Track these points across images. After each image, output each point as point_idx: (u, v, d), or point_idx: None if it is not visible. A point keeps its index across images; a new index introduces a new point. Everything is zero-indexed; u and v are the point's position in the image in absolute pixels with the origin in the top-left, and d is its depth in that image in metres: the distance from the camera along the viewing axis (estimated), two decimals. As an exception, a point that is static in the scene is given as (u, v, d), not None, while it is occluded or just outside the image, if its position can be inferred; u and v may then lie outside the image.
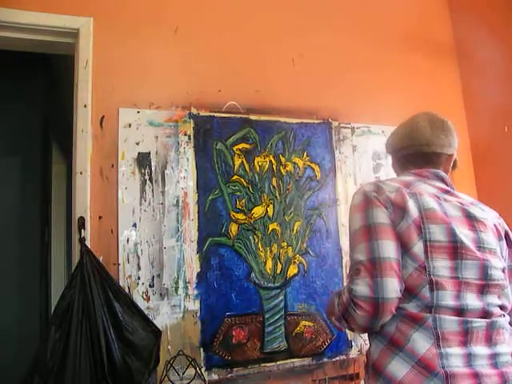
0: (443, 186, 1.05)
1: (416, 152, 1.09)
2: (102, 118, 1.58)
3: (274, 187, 1.74)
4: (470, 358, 0.86)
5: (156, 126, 1.62)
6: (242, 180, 1.70)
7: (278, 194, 1.74)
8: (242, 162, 1.71)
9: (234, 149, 1.71)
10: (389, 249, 0.90)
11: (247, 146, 1.73)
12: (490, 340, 0.89)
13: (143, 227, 1.55)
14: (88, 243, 1.46)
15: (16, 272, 2.10)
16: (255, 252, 1.67)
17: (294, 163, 1.79)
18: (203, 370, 1.51)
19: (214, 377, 1.54)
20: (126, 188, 1.55)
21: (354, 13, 2.07)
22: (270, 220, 1.71)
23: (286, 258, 1.70)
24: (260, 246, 1.68)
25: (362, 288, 0.87)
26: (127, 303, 1.41)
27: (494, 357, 0.88)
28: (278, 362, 1.62)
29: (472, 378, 0.83)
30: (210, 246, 1.61)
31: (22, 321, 2.07)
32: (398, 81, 2.09)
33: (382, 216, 0.94)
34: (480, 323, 0.89)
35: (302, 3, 1.98)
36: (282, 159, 1.78)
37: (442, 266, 0.91)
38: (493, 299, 0.93)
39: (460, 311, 0.89)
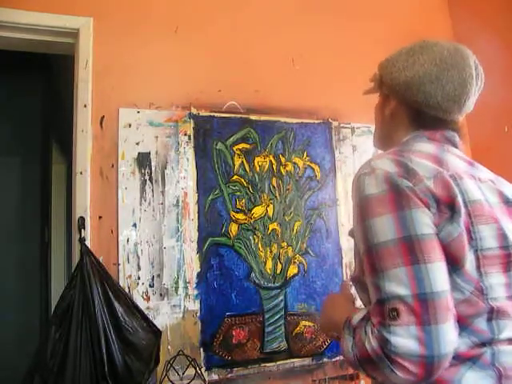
0: (462, 154, 0.81)
1: (452, 119, 0.82)
2: (102, 118, 1.58)
3: (273, 187, 1.74)
4: None
5: (156, 125, 1.62)
6: (242, 180, 1.70)
7: (277, 194, 1.74)
8: (242, 162, 1.71)
9: (234, 149, 1.71)
10: (441, 276, 0.63)
11: (247, 145, 1.73)
12: None
13: (143, 227, 1.55)
14: (88, 243, 1.46)
15: (16, 272, 2.10)
16: (255, 252, 1.67)
17: (294, 163, 1.79)
18: (203, 369, 1.51)
19: (214, 377, 1.54)
20: (125, 188, 1.55)
21: (354, 13, 2.07)
22: (270, 220, 1.71)
23: (285, 258, 1.70)
24: (260, 245, 1.68)
25: (407, 342, 0.59)
26: (127, 303, 1.41)
27: None
28: (277, 362, 1.62)
29: None
30: (209, 245, 1.61)
31: (22, 321, 2.07)
32: (398, 81, 2.09)
33: (425, 222, 0.65)
34: None
35: (302, 3, 1.97)
36: (282, 159, 1.78)
37: (497, 283, 0.68)
38: None
39: None
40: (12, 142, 2.20)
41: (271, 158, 1.76)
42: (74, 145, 1.56)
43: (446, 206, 0.67)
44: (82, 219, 1.48)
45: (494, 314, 0.67)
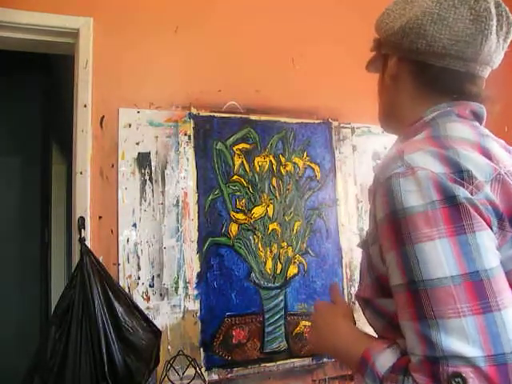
0: (494, 136, 0.65)
1: (467, 72, 0.63)
2: (102, 118, 1.58)
3: (274, 187, 1.74)
4: None
5: (156, 125, 1.62)
6: (242, 180, 1.70)
7: (278, 194, 1.74)
8: (242, 162, 1.71)
9: (234, 149, 1.71)
10: None
11: (247, 145, 1.73)
12: None
13: (143, 227, 1.55)
14: (88, 243, 1.46)
15: (16, 272, 2.10)
16: (255, 252, 1.67)
17: (294, 163, 1.79)
18: (203, 369, 1.51)
19: (214, 377, 1.54)
20: (125, 188, 1.55)
21: (354, 12, 2.06)
22: (270, 220, 1.71)
23: (285, 258, 1.70)
24: (260, 245, 1.68)
25: None
26: (127, 303, 1.41)
27: None
28: (277, 362, 1.62)
29: None
30: (210, 245, 1.61)
31: (22, 321, 2.07)
32: (398, 81, 2.09)
33: (493, 250, 0.50)
34: None
35: (301, 3, 1.97)
36: (282, 159, 1.78)
37: None
38: None
39: None
40: (12, 142, 2.20)
41: (271, 158, 1.76)
42: (74, 145, 1.56)
43: (510, 222, 0.51)
44: (81, 219, 1.48)
45: None
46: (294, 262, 1.71)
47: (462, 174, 0.51)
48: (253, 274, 1.64)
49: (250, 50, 1.83)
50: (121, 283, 1.47)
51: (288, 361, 1.63)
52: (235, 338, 1.58)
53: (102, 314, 1.35)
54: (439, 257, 0.48)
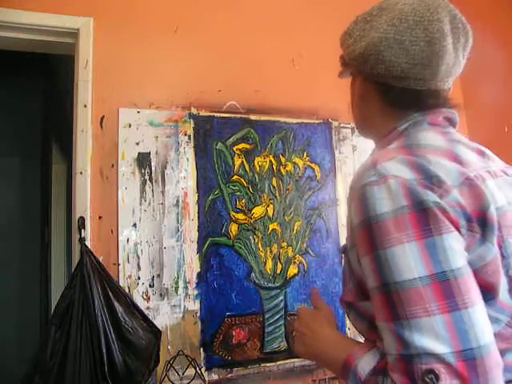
0: (468, 140, 0.67)
1: (428, 90, 0.65)
2: (102, 118, 1.58)
3: (274, 187, 1.74)
4: None
5: (156, 126, 1.62)
6: (242, 180, 1.70)
7: (277, 194, 1.74)
8: (242, 161, 1.71)
9: (234, 149, 1.71)
10: (486, 321, 0.50)
11: (247, 145, 1.73)
12: None
13: (143, 227, 1.54)
14: (88, 243, 1.46)
15: (16, 272, 2.10)
16: (255, 252, 1.67)
17: (294, 163, 1.79)
18: (203, 369, 1.51)
19: (214, 377, 1.54)
20: (125, 188, 1.55)
21: (353, 12, 2.06)
22: (270, 220, 1.71)
23: (285, 258, 1.70)
24: (260, 245, 1.67)
25: None
26: (127, 303, 1.41)
27: None
28: (277, 362, 1.62)
29: None
30: (210, 246, 1.61)
31: (22, 321, 2.07)
32: (398, 81, 2.09)
33: (460, 251, 0.52)
34: None
35: (302, 3, 1.97)
36: (282, 159, 1.78)
37: None
38: None
39: None
40: (12, 142, 2.20)
41: (271, 158, 1.76)
42: (74, 145, 1.56)
43: (478, 223, 0.53)
44: (81, 219, 1.48)
45: None
46: (294, 262, 1.71)
47: (431, 180, 0.53)
48: (253, 274, 1.64)
49: (250, 50, 1.83)
50: (121, 283, 1.47)
51: (288, 361, 1.63)
52: (235, 338, 1.58)
53: (102, 313, 1.35)
54: (408, 259, 0.50)
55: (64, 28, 1.60)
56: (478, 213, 0.53)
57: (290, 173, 1.78)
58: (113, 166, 1.56)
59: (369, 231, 0.54)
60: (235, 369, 1.57)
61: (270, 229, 1.70)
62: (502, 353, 0.51)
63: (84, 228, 1.47)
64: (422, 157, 0.56)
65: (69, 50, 1.68)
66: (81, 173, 1.52)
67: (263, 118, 1.78)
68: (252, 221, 1.68)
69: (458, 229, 0.52)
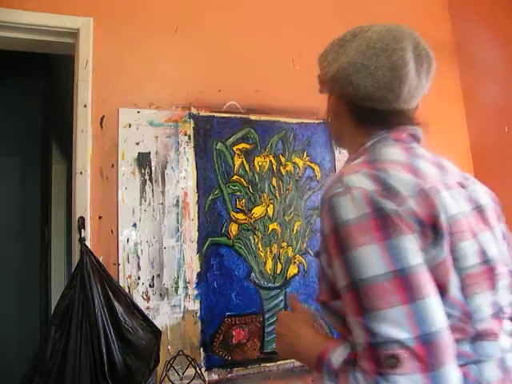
0: (430, 154, 0.74)
1: (393, 110, 0.73)
2: (102, 118, 1.58)
3: (274, 187, 1.74)
4: None
5: (156, 126, 1.62)
6: (242, 180, 1.70)
7: (277, 194, 1.74)
8: (242, 161, 1.71)
9: (234, 149, 1.71)
10: (440, 310, 0.57)
11: (247, 146, 1.73)
12: None
13: (143, 227, 1.55)
14: (88, 243, 1.46)
15: (16, 272, 2.10)
16: (255, 252, 1.67)
17: (294, 163, 1.79)
18: (203, 369, 1.51)
19: (214, 377, 1.54)
20: (125, 188, 1.55)
21: (353, 13, 2.06)
22: (270, 220, 1.71)
23: (285, 258, 1.70)
24: (260, 245, 1.68)
25: None
26: (127, 303, 1.41)
27: None
28: (277, 362, 1.62)
29: None
30: (210, 246, 1.61)
31: (22, 321, 2.07)
32: (398, 81, 2.09)
33: (415, 250, 0.58)
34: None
35: (302, 3, 1.97)
36: (282, 159, 1.78)
37: (483, 303, 0.63)
38: None
39: (502, 360, 0.64)
40: (12, 142, 2.20)
41: (271, 158, 1.76)
42: (74, 145, 1.56)
43: (430, 228, 0.60)
44: (81, 219, 1.48)
45: (478, 337, 0.62)
46: (294, 262, 1.71)
47: (389, 191, 0.60)
48: (253, 274, 1.64)
49: (250, 50, 1.83)
50: (121, 283, 1.47)
51: (288, 361, 1.63)
52: (235, 338, 1.58)
53: (102, 313, 1.35)
54: (371, 259, 0.58)
55: (64, 28, 1.60)
56: (431, 220, 0.60)
57: (290, 173, 1.78)
58: (113, 166, 1.56)
59: (337, 236, 0.61)
60: (235, 369, 1.57)
61: (270, 229, 1.70)
62: (455, 343, 0.58)
63: (84, 228, 1.47)
64: (383, 170, 0.64)
65: (69, 50, 1.68)
66: (81, 173, 1.52)
67: (263, 118, 1.78)
68: (252, 221, 1.68)
69: (413, 233, 0.59)
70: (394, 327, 0.55)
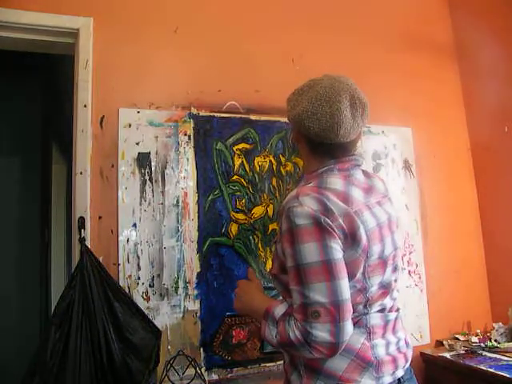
0: (364, 178, 1.03)
1: (336, 143, 0.99)
2: (102, 118, 1.58)
3: (274, 187, 1.74)
4: (387, 347, 0.98)
5: (156, 126, 1.62)
6: (242, 180, 1.70)
7: (277, 194, 1.74)
8: (242, 161, 1.71)
9: (234, 149, 1.71)
10: (347, 288, 0.88)
11: (247, 146, 1.73)
12: (395, 329, 1.02)
13: (143, 227, 1.55)
14: (88, 243, 1.46)
15: (16, 272, 2.10)
16: (255, 252, 1.67)
17: (294, 163, 1.79)
18: (203, 369, 1.51)
19: (214, 377, 1.54)
20: (125, 188, 1.55)
21: (354, 13, 2.07)
22: (270, 220, 1.71)
23: (285, 258, 1.70)
24: (260, 246, 1.68)
25: (323, 334, 0.84)
26: (127, 303, 1.41)
27: (398, 343, 1.01)
28: (277, 362, 1.62)
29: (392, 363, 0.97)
30: (210, 246, 1.61)
31: (22, 321, 2.07)
32: (397, 81, 2.09)
33: (338, 249, 0.88)
34: (392, 316, 1.01)
35: (302, 3, 1.97)
36: (282, 159, 1.78)
37: (375, 282, 0.96)
38: (396, 294, 1.05)
39: (383, 310, 0.99)
40: (12, 142, 2.20)
41: (271, 158, 1.76)
42: (74, 145, 1.56)
43: (350, 237, 0.90)
44: (81, 219, 1.48)
45: (369, 300, 0.96)
46: (294, 262, 1.71)
47: (327, 211, 0.89)
48: (253, 274, 1.64)
49: (250, 50, 1.83)
50: (121, 283, 1.47)
51: (288, 361, 1.63)
52: (235, 338, 1.58)
53: (102, 314, 1.35)
54: (311, 251, 0.87)
55: (64, 28, 1.60)
56: (351, 232, 0.90)
57: (290, 173, 1.78)
58: (113, 166, 1.56)
59: (291, 234, 0.90)
60: (235, 369, 1.57)
61: (270, 229, 1.70)
62: (355, 305, 0.92)
63: (84, 228, 1.47)
64: (326, 196, 0.92)
65: (69, 50, 1.68)
66: (81, 173, 1.52)
67: (263, 118, 1.78)
68: (252, 221, 1.68)
69: (339, 239, 0.89)
70: (319, 294, 0.86)
